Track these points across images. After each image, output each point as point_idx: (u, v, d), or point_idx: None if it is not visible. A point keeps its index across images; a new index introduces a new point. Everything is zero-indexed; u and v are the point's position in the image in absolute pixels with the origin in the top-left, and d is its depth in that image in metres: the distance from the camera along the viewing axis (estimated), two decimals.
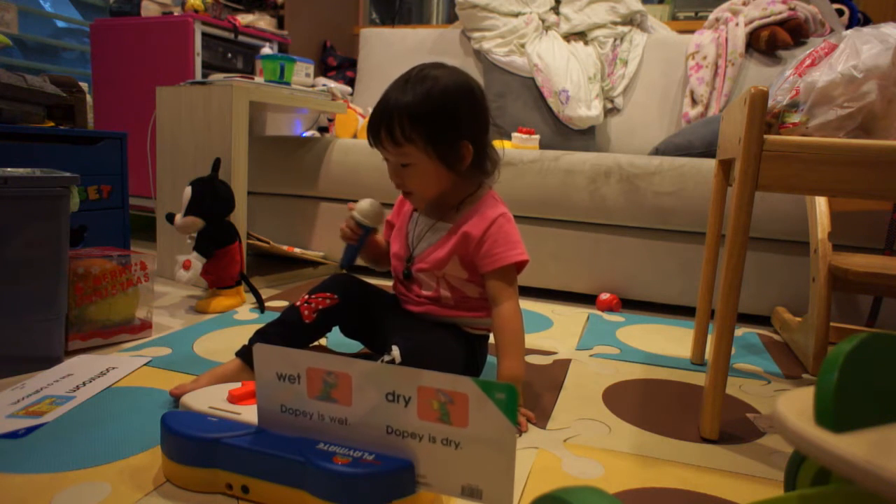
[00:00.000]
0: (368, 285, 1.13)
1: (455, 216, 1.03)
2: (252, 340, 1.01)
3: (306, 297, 1.06)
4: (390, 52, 2.58)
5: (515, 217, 1.04)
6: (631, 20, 2.39)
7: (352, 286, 1.10)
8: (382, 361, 0.90)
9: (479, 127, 0.99)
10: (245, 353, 0.98)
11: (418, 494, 0.66)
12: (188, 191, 1.48)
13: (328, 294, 1.06)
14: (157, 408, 0.91)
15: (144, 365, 1.09)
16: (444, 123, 0.94)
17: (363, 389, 0.64)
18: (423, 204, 1.05)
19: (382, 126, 0.95)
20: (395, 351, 0.90)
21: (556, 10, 2.44)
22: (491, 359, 1.18)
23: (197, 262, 1.44)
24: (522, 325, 0.98)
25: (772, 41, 2.13)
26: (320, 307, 1.04)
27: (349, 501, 0.63)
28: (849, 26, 2.29)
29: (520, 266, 1.01)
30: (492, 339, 1.01)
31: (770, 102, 0.90)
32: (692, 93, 2.17)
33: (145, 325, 1.26)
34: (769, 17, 2.15)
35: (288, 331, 1.02)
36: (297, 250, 1.99)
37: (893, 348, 0.46)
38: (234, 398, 0.79)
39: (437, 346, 0.96)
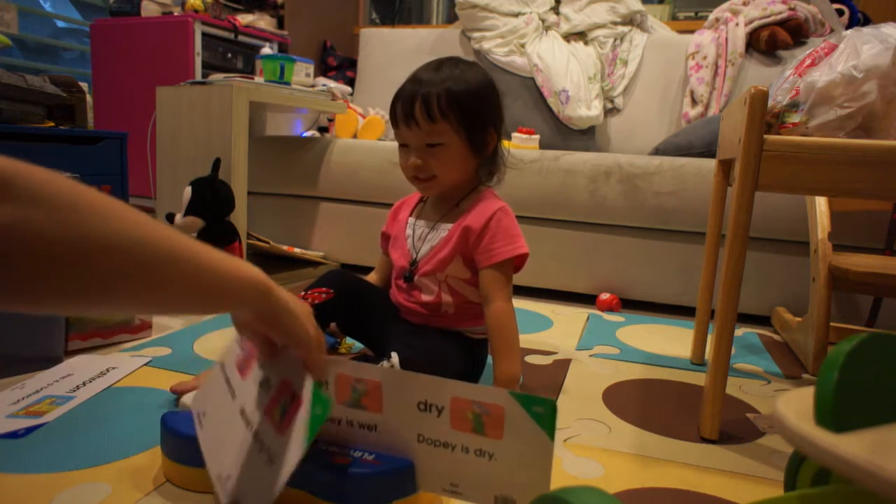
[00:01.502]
0: (364, 281, 1.14)
1: (455, 214, 1.03)
2: None
3: (303, 293, 1.06)
4: (390, 52, 2.58)
5: (515, 217, 1.04)
6: (631, 20, 2.39)
7: (348, 281, 1.10)
8: (382, 367, 0.90)
9: (502, 121, 1.03)
10: None
11: (418, 494, 0.66)
12: (188, 191, 1.48)
13: (324, 289, 1.06)
14: (157, 408, 0.91)
15: (144, 365, 1.09)
16: (479, 104, 0.97)
17: (394, 397, 0.63)
18: (437, 192, 1.04)
19: (418, 101, 0.95)
20: (395, 358, 0.90)
21: (556, 10, 2.44)
22: (489, 359, 1.18)
23: None
24: (516, 323, 0.98)
25: (772, 41, 2.13)
26: (316, 302, 1.04)
27: (349, 501, 0.63)
28: (849, 26, 2.29)
29: (521, 260, 1.01)
30: None
31: (770, 102, 0.90)
32: (692, 93, 2.17)
33: (145, 325, 1.26)
34: (769, 17, 2.15)
35: None
36: (297, 250, 1.99)
37: (893, 348, 0.46)
38: None
39: (436, 353, 0.96)
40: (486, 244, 0.98)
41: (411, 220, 1.09)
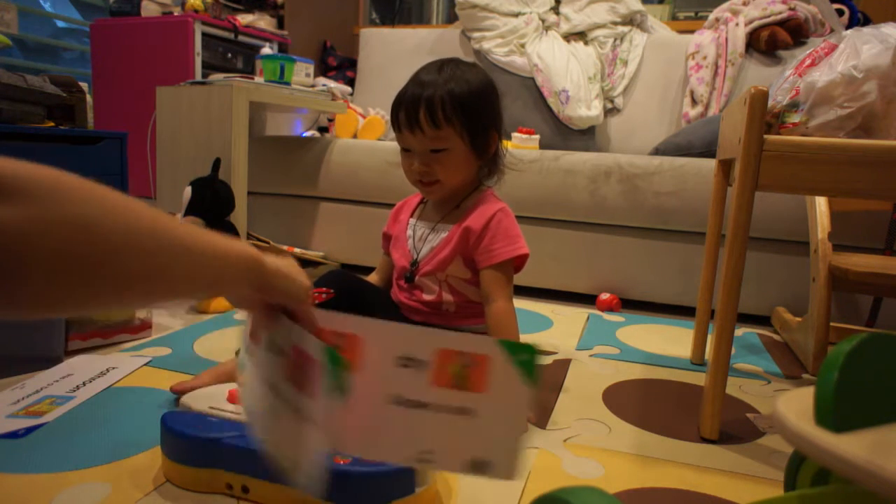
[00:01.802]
0: (364, 281, 1.14)
1: (456, 215, 1.03)
2: None
3: None
4: (390, 52, 2.58)
5: (515, 217, 1.04)
6: (631, 20, 2.39)
7: (348, 281, 1.10)
8: None
9: (501, 119, 1.04)
10: None
11: (418, 494, 0.66)
12: (188, 191, 1.48)
13: (324, 289, 1.06)
14: (157, 408, 0.91)
15: (144, 365, 1.09)
16: (481, 108, 0.97)
17: (373, 353, 0.58)
18: (441, 195, 1.04)
19: (422, 107, 0.95)
20: None
21: (556, 10, 2.44)
22: None
23: None
24: (517, 323, 0.98)
25: (772, 41, 2.13)
26: (317, 302, 1.04)
27: (349, 501, 0.63)
28: (849, 26, 2.29)
29: (521, 260, 1.01)
30: None
31: (770, 102, 0.90)
32: (692, 93, 2.17)
33: (145, 325, 1.26)
34: (769, 17, 2.15)
35: None
36: (297, 250, 1.99)
37: (893, 348, 0.46)
38: (234, 398, 0.79)
39: None
40: (487, 245, 0.98)
41: (412, 220, 1.10)
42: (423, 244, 1.05)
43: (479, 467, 0.56)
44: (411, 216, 1.11)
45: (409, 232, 1.08)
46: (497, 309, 0.97)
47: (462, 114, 0.96)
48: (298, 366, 0.55)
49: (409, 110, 0.96)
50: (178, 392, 0.92)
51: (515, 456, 0.55)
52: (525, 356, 0.54)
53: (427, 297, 1.04)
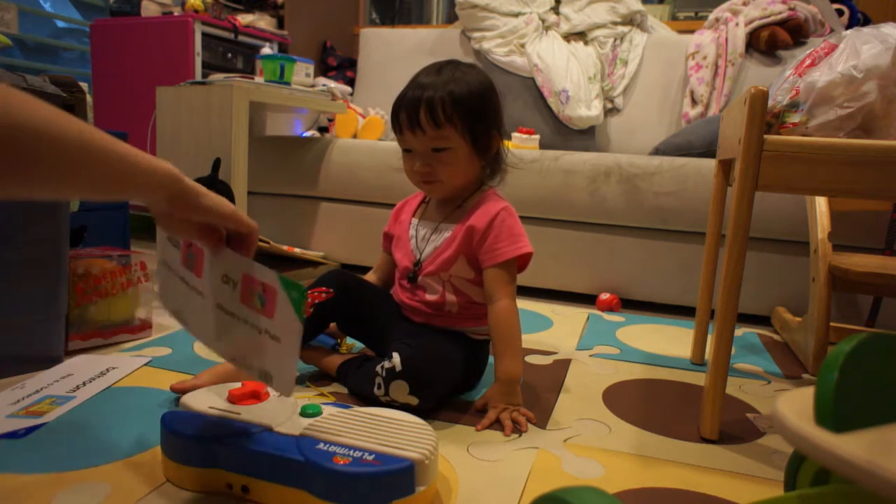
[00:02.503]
0: (364, 280, 1.14)
1: (458, 214, 1.03)
2: None
3: None
4: (390, 52, 2.58)
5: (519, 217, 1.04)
6: (631, 20, 2.39)
7: (347, 281, 1.10)
8: (383, 367, 0.90)
9: (502, 119, 1.04)
10: None
11: (418, 494, 0.66)
12: None
13: (324, 289, 1.06)
14: (157, 408, 0.91)
15: (144, 365, 1.09)
16: (482, 106, 0.98)
17: (210, 267, 0.70)
18: (443, 194, 1.05)
19: (423, 107, 0.95)
20: (396, 358, 0.90)
21: (556, 10, 2.44)
22: (490, 359, 1.18)
23: None
24: (519, 323, 0.98)
25: (772, 41, 2.13)
26: (316, 301, 1.04)
27: (349, 501, 0.63)
28: (849, 26, 2.29)
29: (525, 260, 1.01)
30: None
31: (770, 102, 0.90)
32: (692, 93, 2.17)
33: (145, 325, 1.26)
34: (769, 17, 2.16)
35: None
36: (297, 250, 1.99)
37: (893, 348, 0.46)
38: (234, 398, 0.79)
39: (438, 355, 0.95)
40: (491, 244, 0.98)
41: (414, 220, 1.10)
42: (426, 244, 1.05)
43: (265, 378, 0.67)
44: (413, 216, 1.11)
45: (412, 232, 1.08)
46: (500, 308, 0.97)
47: (463, 114, 0.96)
48: (251, 291, 0.66)
49: (409, 111, 0.96)
50: (178, 392, 0.92)
51: (290, 377, 0.64)
52: (295, 294, 0.62)
53: (430, 297, 1.04)
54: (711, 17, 2.34)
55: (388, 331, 1.05)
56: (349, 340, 1.20)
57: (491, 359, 1.05)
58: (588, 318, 1.63)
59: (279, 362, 0.65)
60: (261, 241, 1.84)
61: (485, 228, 0.99)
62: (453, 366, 0.98)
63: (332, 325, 1.14)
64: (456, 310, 1.04)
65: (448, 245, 1.02)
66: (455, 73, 0.98)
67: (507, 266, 0.98)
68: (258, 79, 1.82)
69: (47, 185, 0.55)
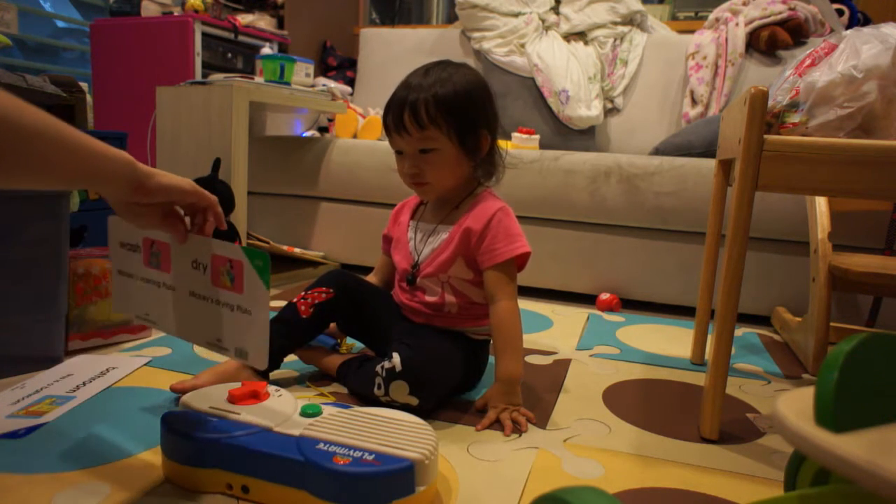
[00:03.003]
0: (364, 281, 1.14)
1: (455, 216, 1.03)
2: None
3: (303, 293, 1.06)
4: (390, 52, 2.58)
5: (515, 217, 1.04)
6: (631, 20, 2.39)
7: (347, 281, 1.10)
8: (383, 367, 0.90)
9: (495, 121, 1.03)
10: None
11: (418, 494, 0.66)
12: None
13: (324, 289, 1.06)
14: (157, 408, 0.91)
15: (144, 365, 1.09)
16: (468, 107, 0.97)
17: (178, 257, 0.71)
18: (436, 196, 1.04)
19: (406, 108, 0.95)
20: (396, 358, 0.90)
21: (556, 10, 2.44)
22: (490, 359, 1.19)
23: None
24: (520, 323, 0.98)
25: (772, 41, 2.13)
26: (316, 301, 1.04)
27: (349, 501, 0.63)
28: (849, 26, 2.29)
29: (523, 259, 1.01)
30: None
31: (770, 102, 0.90)
32: (692, 93, 2.17)
33: (145, 326, 1.26)
34: (769, 17, 2.16)
35: (287, 328, 1.02)
36: (297, 250, 1.99)
37: (893, 348, 0.46)
38: (234, 398, 0.79)
39: (438, 355, 0.95)
40: (488, 245, 0.98)
41: (412, 222, 1.10)
42: (424, 246, 1.05)
43: (241, 354, 0.69)
44: (412, 218, 1.11)
45: (410, 234, 1.08)
46: (501, 308, 0.97)
47: (448, 114, 0.95)
48: (220, 271, 0.68)
49: (395, 113, 0.97)
50: (178, 392, 0.92)
51: (264, 348, 0.67)
52: (259, 262, 0.65)
53: (430, 298, 1.04)
54: (711, 17, 2.34)
55: (388, 331, 1.05)
56: (349, 340, 1.20)
57: (491, 359, 1.05)
58: (588, 318, 1.63)
59: (253, 335, 0.67)
60: (261, 240, 1.84)
61: (482, 230, 0.99)
62: (453, 366, 0.98)
63: (333, 325, 1.14)
64: (455, 310, 1.04)
65: (445, 247, 1.02)
66: (442, 73, 0.97)
67: (505, 266, 0.98)
68: (258, 79, 1.82)
69: (7, 173, 0.55)
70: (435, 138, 0.96)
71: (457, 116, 0.96)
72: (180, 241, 0.72)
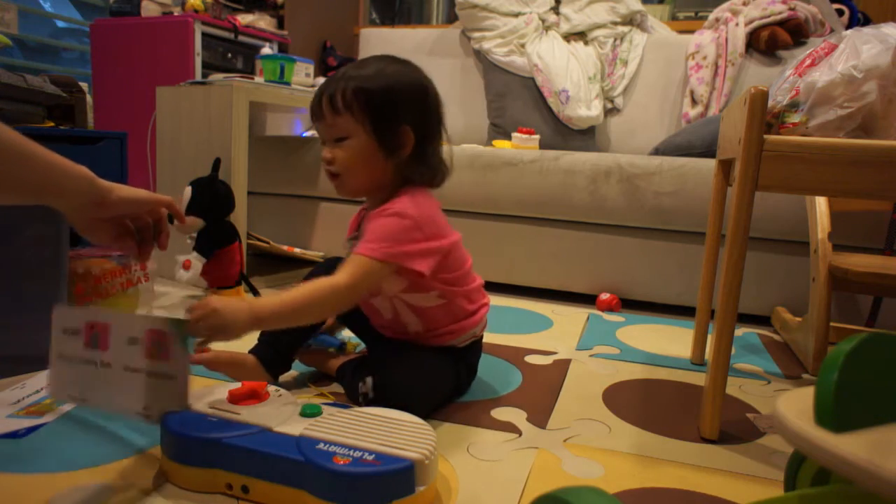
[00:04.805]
0: None
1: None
2: (260, 339, 1.02)
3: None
4: (390, 53, 2.57)
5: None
6: (631, 20, 2.39)
7: None
8: (359, 392, 0.90)
9: (426, 122, 0.95)
10: (258, 352, 1.00)
11: (418, 494, 0.66)
12: (188, 191, 1.48)
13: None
14: None
15: None
16: (387, 99, 0.91)
17: (116, 335, 0.74)
18: (350, 193, 0.97)
19: (325, 94, 0.92)
20: (369, 383, 0.89)
21: (556, 10, 2.44)
22: (484, 356, 1.19)
23: (197, 262, 1.44)
24: (327, 302, 0.85)
25: (772, 41, 2.13)
26: None
27: (349, 501, 0.63)
28: (849, 26, 2.29)
29: (409, 271, 0.89)
30: (487, 339, 1.00)
31: (770, 102, 0.90)
32: (692, 93, 2.17)
33: None
34: (769, 17, 2.15)
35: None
36: (297, 250, 1.99)
37: (893, 348, 0.46)
38: (234, 398, 0.79)
39: (417, 374, 0.92)
40: (363, 236, 0.90)
41: (356, 233, 1.02)
42: None
43: (162, 418, 0.73)
44: (357, 228, 1.03)
45: (348, 247, 1.01)
46: (330, 279, 0.84)
47: (365, 103, 0.90)
48: (152, 343, 0.72)
49: (315, 98, 0.94)
50: (201, 358, 0.94)
51: (185, 399, 0.73)
52: (177, 329, 0.70)
53: (387, 316, 1.00)
54: (711, 17, 2.34)
55: (372, 345, 1.02)
56: (353, 340, 1.20)
57: (484, 355, 1.03)
58: (588, 318, 1.63)
59: (176, 399, 0.72)
60: (261, 240, 1.84)
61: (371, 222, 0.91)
62: (437, 379, 0.95)
63: (330, 321, 1.14)
64: (422, 328, 0.98)
65: None
66: (377, 66, 0.94)
67: (360, 260, 0.86)
68: (258, 79, 1.82)
69: None
70: (346, 125, 0.91)
71: (374, 107, 0.91)
72: (138, 259, 0.81)
